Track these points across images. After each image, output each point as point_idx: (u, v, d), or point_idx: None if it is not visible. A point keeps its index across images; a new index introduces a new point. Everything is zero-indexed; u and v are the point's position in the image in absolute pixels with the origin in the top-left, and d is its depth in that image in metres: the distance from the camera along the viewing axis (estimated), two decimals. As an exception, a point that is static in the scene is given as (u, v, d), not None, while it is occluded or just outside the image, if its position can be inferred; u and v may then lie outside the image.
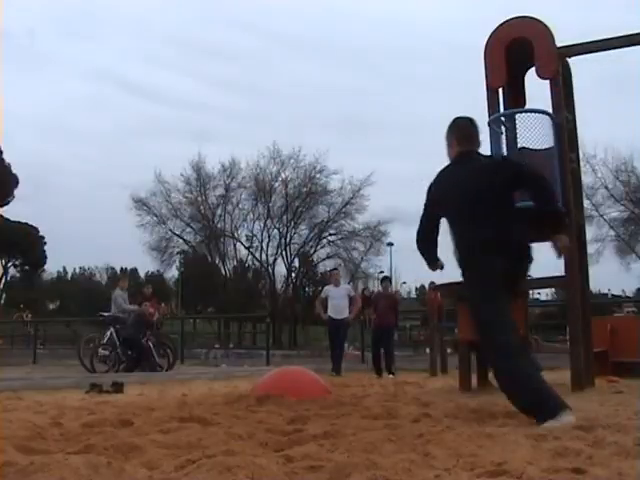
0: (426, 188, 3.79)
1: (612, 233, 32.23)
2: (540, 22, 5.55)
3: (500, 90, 5.80)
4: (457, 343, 6.72)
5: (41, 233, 44.46)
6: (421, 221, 3.83)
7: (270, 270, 37.77)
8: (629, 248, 32.67)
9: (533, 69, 5.64)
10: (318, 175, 35.20)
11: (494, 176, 3.50)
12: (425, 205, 3.80)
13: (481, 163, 3.68)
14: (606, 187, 31.28)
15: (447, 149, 3.77)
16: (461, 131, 3.72)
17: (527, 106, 5.96)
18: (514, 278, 3.54)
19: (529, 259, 3.57)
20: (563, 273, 5.37)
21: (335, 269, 14.59)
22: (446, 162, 3.79)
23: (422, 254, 3.88)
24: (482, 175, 3.54)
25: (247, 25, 62.48)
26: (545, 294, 36.82)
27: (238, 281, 39.82)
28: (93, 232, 64.00)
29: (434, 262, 3.87)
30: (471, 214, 3.50)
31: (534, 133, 5.42)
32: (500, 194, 3.48)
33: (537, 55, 5.50)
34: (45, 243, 45.03)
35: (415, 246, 3.88)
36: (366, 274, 36.54)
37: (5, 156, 39.58)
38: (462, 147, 3.67)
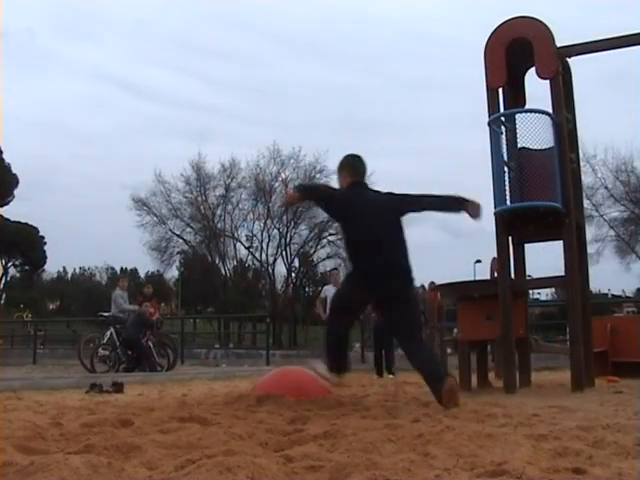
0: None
1: (612, 233, 32.27)
2: (540, 22, 5.55)
3: (500, 90, 5.80)
4: (457, 343, 6.72)
5: (41, 233, 44.54)
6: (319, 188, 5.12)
7: (270, 270, 37.81)
8: (629, 248, 32.69)
9: (533, 69, 5.64)
10: (318, 175, 35.23)
11: (387, 205, 4.17)
12: (325, 189, 4.81)
13: (374, 194, 4.32)
14: (606, 187, 31.31)
15: (339, 180, 4.41)
16: (355, 165, 4.39)
17: (527, 106, 5.96)
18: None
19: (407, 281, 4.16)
20: (563, 273, 5.37)
21: (335, 269, 14.60)
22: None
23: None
24: (378, 203, 4.18)
25: (247, 25, 62.56)
26: (545, 294, 36.87)
27: (238, 281, 39.83)
28: (93, 232, 64.14)
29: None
30: (375, 236, 4.05)
31: (534, 133, 5.41)
32: (393, 221, 4.15)
33: (537, 55, 5.50)
34: (45, 243, 45.11)
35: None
36: (366, 274, 36.47)
37: (5, 156, 39.68)
38: (354, 178, 4.31)
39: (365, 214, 4.12)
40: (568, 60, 5.89)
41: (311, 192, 4.79)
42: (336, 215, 4.66)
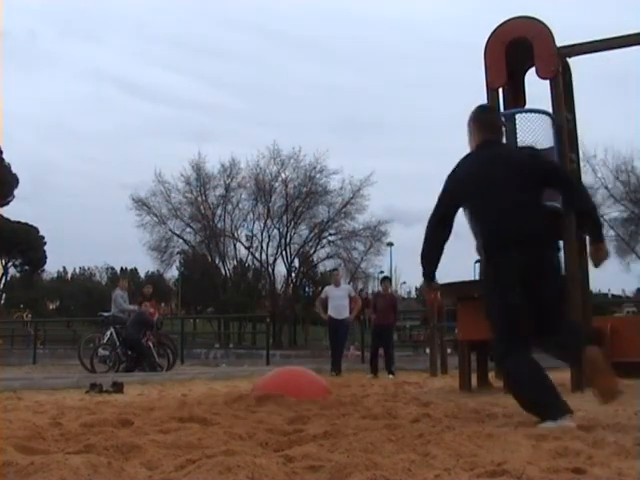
0: (445, 177, 3.53)
1: (612, 233, 32.21)
2: (540, 22, 5.55)
3: (500, 90, 5.80)
4: (457, 343, 6.72)
5: (41, 233, 44.50)
6: (434, 214, 3.48)
7: (270, 270, 37.77)
8: (629, 248, 32.67)
9: (533, 69, 5.64)
10: (318, 175, 35.18)
11: (524, 167, 3.35)
12: (441, 196, 3.50)
13: (509, 151, 3.52)
14: (606, 187, 31.27)
15: (469, 137, 3.59)
16: (485, 119, 3.57)
17: (527, 106, 5.96)
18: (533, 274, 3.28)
19: (553, 251, 3.41)
20: (563, 273, 5.37)
21: (336, 269, 14.61)
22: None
23: (424, 258, 3.55)
24: (510, 163, 3.39)
25: (247, 25, 62.53)
26: (545, 294, 36.78)
27: (238, 281, 39.81)
28: (93, 232, 64.17)
29: (431, 279, 3.59)
30: (502, 201, 3.30)
31: (534, 133, 5.42)
32: (531, 186, 3.32)
33: (537, 55, 5.50)
34: (45, 243, 45.05)
35: (421, 248, 3.54)
36: (366, 274, 36.54)
37: (5, 156, 39.61)
38: (486, 135, 3.50)
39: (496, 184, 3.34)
40: (568, 60, 5.89)
41: (435, 234, 3.53)
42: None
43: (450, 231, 3.51)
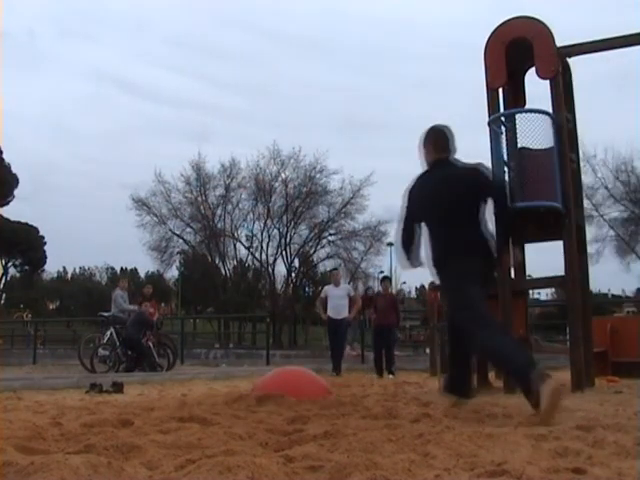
0: (404, 193, 4.08)
1: (612, 233, 32.21)
2: (540, 22, 5.54)
3: (500, 90, 5.80)
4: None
5: (41, 233, 44.49)
6: (403, 225, 4.11)
7: (270, 270, 37.76)
8: (629, 248, 32.65)
9: (533, 69, 5.64)
10: (318, 175, 35.15)
11: (470, 183, 3.86)
12: (405, 208, 4.07)
13: (457, 170, 3.96)
14: (606, 187, 31.26)
15: (422, 155, 4.02)
16: (437, 139, 3.98)
17: (527, 106, 5.96)
18: (486, 276, 3.97)
19: (493, 258, 3.96)
20: (563, 273, 5.37)
21: (335, 269, 14.59)
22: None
23: (401, 250, 4.18)
24: (459, 182, 3.88)
25: (247, 25, 62.54)
26: (545, 294, 36.85)
27: (238, 281, 39.79)
28: (93, 232, 64.20)
29: (415, 260, 4.17)
30: (449, 218, 3.83)
31: (534, 133, 5.41)
32: (474, 201, 3.85)
33: (537, 55, 5.50)
34: (45, 243, 45.05)
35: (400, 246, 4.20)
36: (366, 274, 36.53)
37: (5, 156, 39.60)
38: (438, 154, 3.93)
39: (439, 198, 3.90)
40: (568, 60, 5.89)
41: (407, 239, 4.15)
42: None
43: (414, 234, 4.09)
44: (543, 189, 5.30)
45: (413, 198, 4.01)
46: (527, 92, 6.14)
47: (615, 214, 32.17)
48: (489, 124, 5.58)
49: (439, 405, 3.80)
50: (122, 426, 2.97)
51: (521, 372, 3.28)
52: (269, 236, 37.01)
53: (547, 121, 5.42)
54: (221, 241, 37.26)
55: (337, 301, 10.45)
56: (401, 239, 4.12)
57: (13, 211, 41.52)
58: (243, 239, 38.00)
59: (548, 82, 5.53)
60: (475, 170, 3.97)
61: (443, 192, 3.86)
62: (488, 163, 5.54)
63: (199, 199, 36.48)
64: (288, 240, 36.92)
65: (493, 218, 4.04)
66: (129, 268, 50.78)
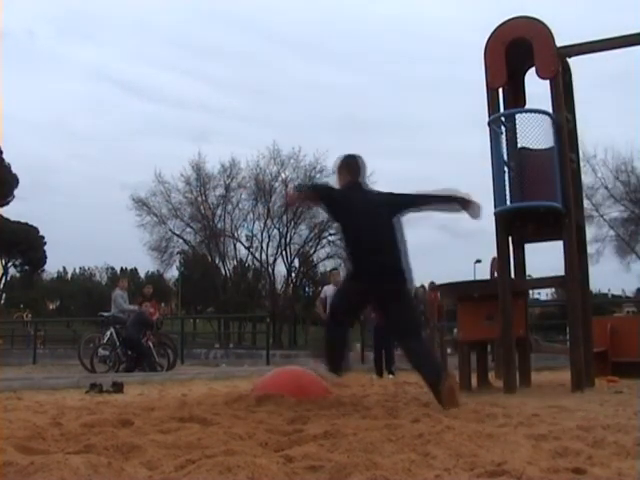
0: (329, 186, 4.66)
1: (612, 233, 32.24)
2: (540, 22, 5.54)
3: (500, 90, 5.79)
4: (457, 343, 6.72)
5: (41, 233, 44.49)
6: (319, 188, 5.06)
7: (270, 270, 37.77)
8: (629, 248, 32.66)
9: (533, 69, 5.64)
10: (318, 175, 35.17)
11: (384, 205, 4.24)
12: (326, 189, 4.65)
13: (371, 194, 4.44)
14: (606, 187, 31.29)
15: (338, 180, 4.43)
16: (353, 165, 4.42)
17: (527, 106, 5.96)
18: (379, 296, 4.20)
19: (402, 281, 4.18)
20: (563, 273, 5.37)
21: (335, 269, 14.59)
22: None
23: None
24: (375, 204, 4.25)
25: (247, 25, 62.51)
26: (545, 294, 36.86)
27: (238, 281, 39.80)
28: (93, 232, 64.15)
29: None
30: (372, 237, 4.11)
31: (534, 133, 5.42)
32: (390, 222, 4.21)
33: (537, 55, 5.50)
34: (45, 243, 45.05)
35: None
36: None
37: (5, 156, 39.59)
38: (351, 177, 4.35)
39: (362, 215, 4.17)
40: (568, 60, 5.89)
41: (311, 192, 4.90)
42: (336, 215, 4.66)
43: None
44: (543, 189, 5.31)
45: (336, 196, 4.38)
46: (527, 92, 6.15)
47: (615, 214, 32.22)
48: (489, 124, 5.58)
49: (439, 405, 3.80)
50: (122, 426, 2.97)
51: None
52: (269, 236, 37.07)
53: (547, 121, 5.42)
54: (221, 241, 37.27)
55: (336, 301, 10.44)
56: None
57: (13, 211, 41.57)
58: (243, 239, 38.06)
59: (548, 82, 5.53)
60: (385, 192, 4.42)
61: (365, 211, 4.18)
62: (488, 163, 5.57)
63: (199, 199, 36.50)
64: (288, 240, 36.97)
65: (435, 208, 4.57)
66: (129, 268, 50.75)
